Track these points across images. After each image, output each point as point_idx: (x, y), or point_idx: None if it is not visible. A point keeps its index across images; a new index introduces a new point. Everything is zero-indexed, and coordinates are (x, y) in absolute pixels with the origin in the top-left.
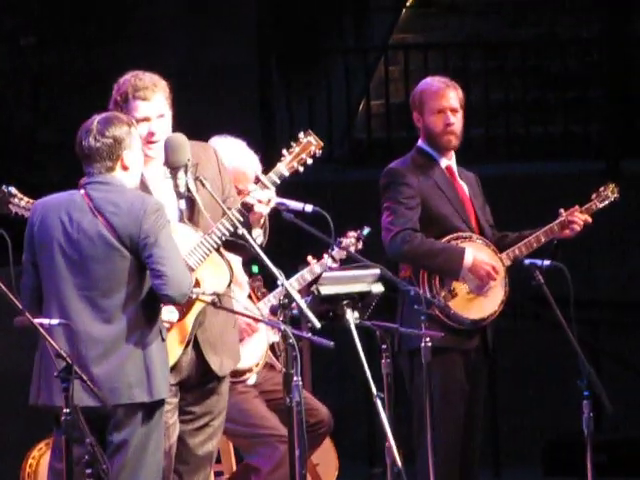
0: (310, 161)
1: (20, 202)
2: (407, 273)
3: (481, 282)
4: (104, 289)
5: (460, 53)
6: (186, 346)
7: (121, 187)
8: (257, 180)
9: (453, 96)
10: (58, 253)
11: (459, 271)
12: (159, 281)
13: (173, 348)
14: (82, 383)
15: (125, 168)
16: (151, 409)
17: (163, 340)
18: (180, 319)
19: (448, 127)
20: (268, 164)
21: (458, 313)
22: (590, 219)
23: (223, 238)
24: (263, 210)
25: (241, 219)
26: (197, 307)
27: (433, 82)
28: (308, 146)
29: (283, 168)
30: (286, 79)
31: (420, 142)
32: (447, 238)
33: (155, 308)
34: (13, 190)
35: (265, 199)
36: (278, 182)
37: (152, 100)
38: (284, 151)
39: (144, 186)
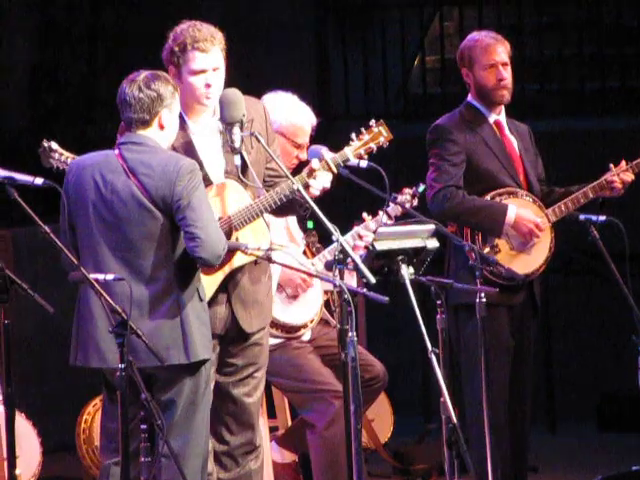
0: (375, 151)
1: (61, 157)
2: (452, 229)
3: (524, 239)
4: (139, 250)
5: (514, 8)
6: (216, 295)
7: (154, 148)
8: (321, 159)
9: (503, 50)
10: (93, 214)
11: (501, 229)
12: (193, 244)
13: (208, 288)
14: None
15: (161, 127)
16: (194, 369)
17: (201, 300)
18: (217, 269)
19: (501, 82)
20: (323, 122)
21: (512, 269)
22: (632, 177)
23: (274, 205)
24: (317, 193)
25: (301, 189)
26: (237, 262)
27: (481, 37)
28: (378, 136)
29: (350, 153)
30: (341, 34)
31: (470, 97)
32: (492, 194)
33: (191, 269)
34: (54, 145)
35: (327, 184)
36: (342, 166)
37: (210, 52)
38: (353, 135)
39: (188, 140)
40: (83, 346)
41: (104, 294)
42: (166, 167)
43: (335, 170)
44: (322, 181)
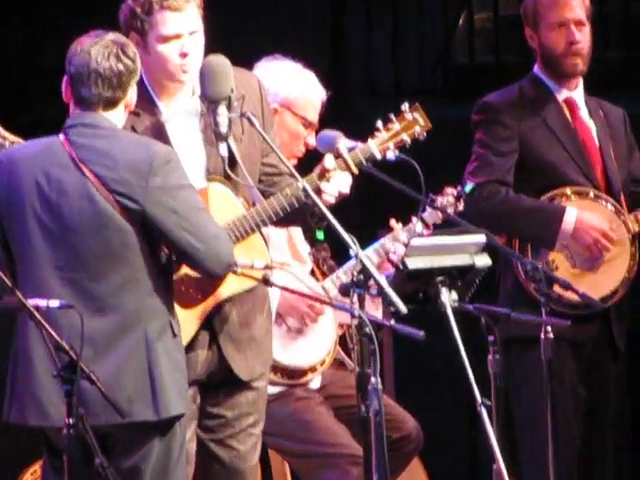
0: (409, 144)
1: (4, 143)
2: (503, 240)
3: (589, 253)
4: (94, 270)
5: None
6: (197, 334)
7: (114, 130)
8: (337, 155)
9: (578, 4)
10: (32, 223)
11: (554, 237)
12: (191, 259)
13: (187, 324)
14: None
15: (127, 107)
16: (165, 428)
17: (175, 336)
18: (199, 301)
19: (572, 46)
20: (336, 98)
21: (590, 292)
22: None
23: (276, 217)
24: (333, 201)
25: (310, 192)
26: (229, 288)
27: None
28: (412, 125)
29: (375, 148)
30: None
31: (536, 68)
32: (552, 193)
33: (163, 295)
34: None
35: (344, 188)
36: (365, 164)
37: (185, 10)
38: (379, 124)
39: (158, 128)
40: (19, 397)
41: (46, 326)
42: (133, 156)
43: (356, 170)
44: (339, 184)
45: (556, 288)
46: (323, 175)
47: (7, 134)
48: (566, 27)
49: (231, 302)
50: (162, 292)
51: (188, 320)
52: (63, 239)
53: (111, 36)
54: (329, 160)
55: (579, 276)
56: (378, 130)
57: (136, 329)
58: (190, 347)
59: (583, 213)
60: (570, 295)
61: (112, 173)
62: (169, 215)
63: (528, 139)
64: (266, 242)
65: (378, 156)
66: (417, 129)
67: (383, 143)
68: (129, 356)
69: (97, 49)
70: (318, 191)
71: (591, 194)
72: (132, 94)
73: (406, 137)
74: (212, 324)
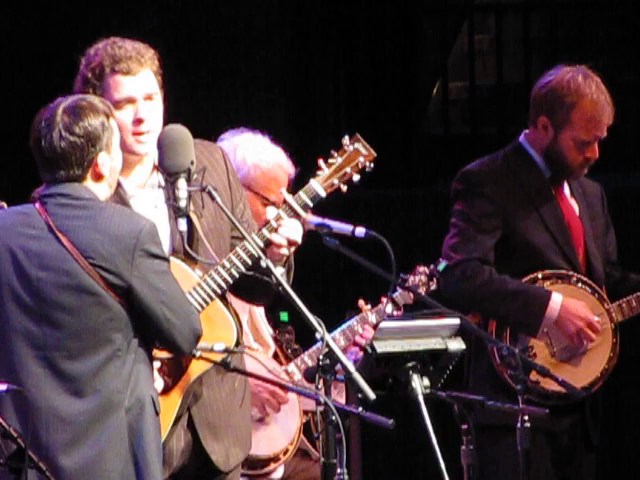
0: (357, 177)
1: None
2: (475, 319)
3: (571, 342)
4: (73, 349)
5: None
6: (174, 424)
7: (94, 201)
8: (283, 201)
9: (608, 118)
10: (9, 298)
11: (538, 324)
12: (165, 334)
13: (163, 414)
14: (40, 476)
15: (99, 177)
16: None
17: (157, 414)
18: (169, 388)
19: (589, 161)
20: (302, 172)
21: (568, 381)
22: None
23: (232, 279)
24: (287, 252)
25: (262, 248)
26: (196, 369)
27: (591, 91)
28: (355, 157)
29: (318, 186)
30: (330, 48)
31: (522, 138)
32: (532, 276)
33: (144, 369)
34: None
35: (294, 235)
36: (310, 206)
37: (138, 74)
38: (321, 162)
39: (119, 197)
40: None
41: None
42: (119, 229)
43: (303, 213)
44: (287, 232)
45: (533, 375)
46: (271, 227)
47: None
48: (590, 144)
49: (209, 389)
50: (143, 367)
51: (164, 409)
52: (42, 315)
53: (62, 106)
54: (270, 210)
55: (557, 366)
56: (320, 168)
57: (117, 410)
58: (166, 440)
59: (569, 300)
60: (547, 384)
61: (95, 246)
62: (151, 290)
63: (512, 218)
64: (235, 314)
65: (322, 194)
66: (361, 160)
67: (327, 180)
68: (111, 440)
69: (42, 125)
70: (268, 244)
71: (573, 279)
72: (102, 161)
73: (350, 170)
74: (189, 412)
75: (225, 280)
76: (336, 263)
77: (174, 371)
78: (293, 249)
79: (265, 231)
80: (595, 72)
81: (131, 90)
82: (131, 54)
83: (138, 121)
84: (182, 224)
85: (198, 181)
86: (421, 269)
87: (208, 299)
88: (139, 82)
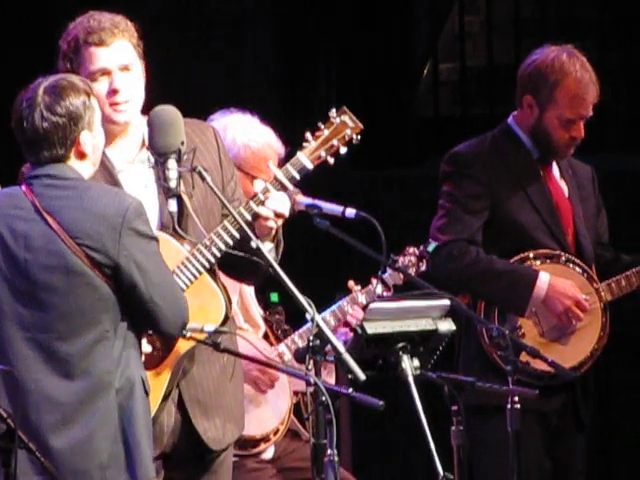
0: (344, 150)
1: None
2: (465, 301)
3: (559, 321)
4: (62, 330)
5: None
6: (163, 400)
7: (81, 181)
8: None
9: (593, 98)
10: None
11: (526, 304)
12: (151, 316)
13: (152, 390)
14: (30, 456)
15: (82, 155)
16: None
17: (147, 394)
18: (158, 362)
19: (574, 140)
20: (291, 152)
21: (557, 362)
22: None
23: (220, 253)
24: (274, 225)
25: (250, 222)
26: (183, 347)
27: (576, 69)
28: (342, 129)
29: (305, 159)
30: (319, 30)
31: (511, 119)
32: (521, 256)
33: (134, 350)
34: None
35: (281, 208)
36: (298, 178)
37: (112, 45)
38: (308, 135)
39: (108, 173)
40: None
41: None
42: (104, 208)
43: (290, 186)
44: (274, 205)
45: (523, 356)
46: (258, 200)
47: None
48: (576, 123)
49: (199, 366)
50: (132, 349)
51: (153, 385)
52: (31, 297)
53: (43, 85)
54: (257, 183)
55: (546, 345)
56: (307, 140)
57: (107, 391)
58: (155, 416)
59: (556, 279)
60: (537, 364)
61: (82, 226)
62: (139, 270)
63: (500, 199)
64: (225, 289)
65: (309, 166)
66: (347, 132)
67: (313, 152)
68: (101, 421)
69: (23, 105)
70: (256, 217)
71: (562, 259)
72: (85, 139)
73: (337, 142)
74: (179, 389)
75: (213, 254)
76: (326, 244)
77: (163, 344)
78: (281, 222)
79: (252, 204)
80: (582, 52)
81: (105, 61)
82: (104, 25)
83: (113, 91)
84: (172, 204)
85: (189, 161)
86: (411, 250)
87: (197, 273)
88: (113, 53)
